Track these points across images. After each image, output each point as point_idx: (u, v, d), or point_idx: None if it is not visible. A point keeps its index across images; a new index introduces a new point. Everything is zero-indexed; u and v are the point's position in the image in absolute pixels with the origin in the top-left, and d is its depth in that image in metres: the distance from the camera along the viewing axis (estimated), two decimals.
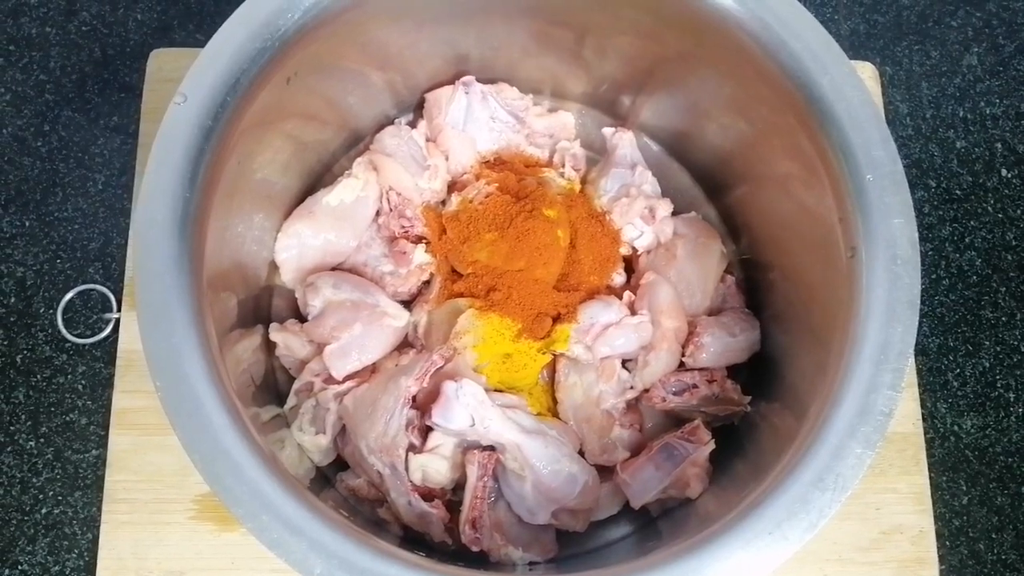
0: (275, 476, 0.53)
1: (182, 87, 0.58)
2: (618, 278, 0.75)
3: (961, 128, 0.92)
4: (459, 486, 0.68)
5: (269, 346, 0.73)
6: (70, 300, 0.80)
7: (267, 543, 0.51)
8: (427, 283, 0.75)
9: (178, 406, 0.52)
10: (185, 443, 0.52)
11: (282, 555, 0.51)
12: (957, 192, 0.90)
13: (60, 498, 0.77)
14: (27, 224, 0.84)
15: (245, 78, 0.59)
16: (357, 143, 0.80)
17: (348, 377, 0.69)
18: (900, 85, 0.93)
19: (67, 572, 0.75)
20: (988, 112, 0.93)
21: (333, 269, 0.75)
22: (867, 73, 0.84)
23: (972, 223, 0.89)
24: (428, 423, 0.65)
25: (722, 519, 0.55)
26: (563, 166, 0.79)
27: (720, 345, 0.71)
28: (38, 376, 0.80)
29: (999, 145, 0.92)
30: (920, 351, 0.85)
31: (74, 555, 0.76)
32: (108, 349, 0.80)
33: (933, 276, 0.88)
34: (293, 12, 0.60)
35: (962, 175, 0.91)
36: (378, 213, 0.75)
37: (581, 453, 0.70)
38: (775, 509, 0.54)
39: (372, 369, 0.71)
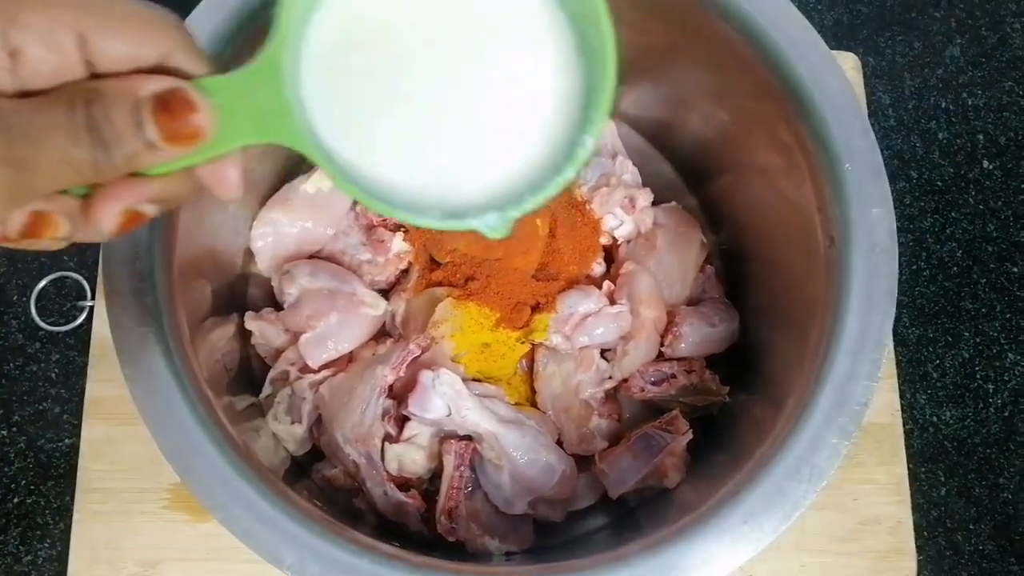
0: (246, 466, 0.52)
1: None
2: (597, 268, 0.75)
3: (943, 119, 0.92)
4: (435, 476, 0.67)
5: (244, 335, 0.72)
6: (44, 288, 0.79)
7: (237, 533, 0.50)
8: (405, 272, 0.74)
9: (146, 395, 0.52)
10: (154, 432, 0.52)
11: (252, 545, 0.50)
12: (939, 183, 0.90)
13: (32, 487, 0.76)
14: None
15: (218, 62, 0.58)
16: None
17: (324, 366, 0.69)
18: (883, 76, 0.93)
19: (39, 562, 0.74)
20: (970, 103, 0.93)
21: (310, 257, 0.74)
22: (849, 64, 0.84)
23: (953, 214, 0.89)
24: (405, 413, 0.65)
25: (698, 509, 0.55)
26: None
27: (699, 335, 0.71)
28: (11, 364, 0.79)
29: (981, 137, 0.92)
30: (900, 342, 0.85)
31: (46, 544, 0.75)
32: (82, 337, 0.78)
33: (914, 267, 0.88)
34: None
35: (944, 166, 0.91)
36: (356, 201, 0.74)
37: (559, 443, 0.70)
38: (750, 500, 0.53)
39: (349, 358, 0.70)
